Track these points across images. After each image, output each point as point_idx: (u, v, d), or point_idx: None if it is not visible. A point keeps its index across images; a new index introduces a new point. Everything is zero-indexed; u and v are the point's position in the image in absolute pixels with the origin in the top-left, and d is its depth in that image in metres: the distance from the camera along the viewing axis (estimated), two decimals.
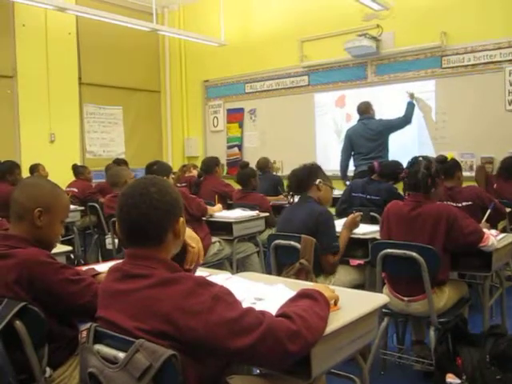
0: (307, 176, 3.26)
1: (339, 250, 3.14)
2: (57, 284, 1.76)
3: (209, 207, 4.37)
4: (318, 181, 3.22)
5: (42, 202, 1.88)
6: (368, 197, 4.29)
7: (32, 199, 1.88)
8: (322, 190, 3.24)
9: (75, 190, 6.20)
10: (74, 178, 6.61)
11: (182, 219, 1.51)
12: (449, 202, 3.55)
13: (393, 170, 4.40)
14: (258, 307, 1.46)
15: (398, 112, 6.26)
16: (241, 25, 8.20)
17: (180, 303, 1.32)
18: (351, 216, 3.35)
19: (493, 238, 2.81)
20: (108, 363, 1.36)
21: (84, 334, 1.45)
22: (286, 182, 4.45)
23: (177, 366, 1.27)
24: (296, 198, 3.38)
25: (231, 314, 1.33)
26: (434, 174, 2.84)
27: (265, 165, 6.36)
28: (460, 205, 3.63)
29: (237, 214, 4.51)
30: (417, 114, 6.36)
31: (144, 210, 1.43)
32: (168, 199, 1.48)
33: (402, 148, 6.19)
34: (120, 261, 1.51)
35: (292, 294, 1.65)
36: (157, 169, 4.15)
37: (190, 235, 1.74)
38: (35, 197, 1.89)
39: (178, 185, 5.87)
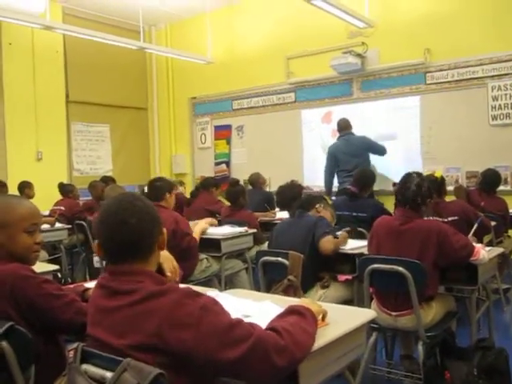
0: (308, 201, 3.48)
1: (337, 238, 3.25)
2: (39, 298, 1.75)
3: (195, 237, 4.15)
4: (317, 205, 3.44)
5: None
6: (354, 214, 4.32)
7: None
8: (321, 213, 3.42)
9: (62, 208, 6.16)
10: (60, 196, 6.56)
11: (164, 229, 1.54)
12: (435, 218, 3.58)
13: (366, 179, 4.50)
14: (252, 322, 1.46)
15: (384, 128, 6.34)
16: (227, 42, 8.27)
17: (168, 316, 1.32)
18: (346, 234, 3.42)
19: (483, 251, 2.83)
20: (96, 383, 1.35)
21: (71, 353, 1.43)
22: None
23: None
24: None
25: (221, 325, 1.33)
26: (425, 192, 2.84)
27: (255, 180, 6.42)
28: (446, 220, 3.66)
29: (225, 230, 4.50)
30: (404, 129, 6.45)
31: (135, 224, 1.43)
32: (152, 211, 1.51)
33: (389, 163, 6.26)
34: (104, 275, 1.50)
35: (279, 310, 1.65)
36: (162, 185, 4.01)
37: (165, 255, 1.75)
38: None
39: None
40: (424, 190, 2.84)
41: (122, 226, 1.43)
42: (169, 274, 1.69)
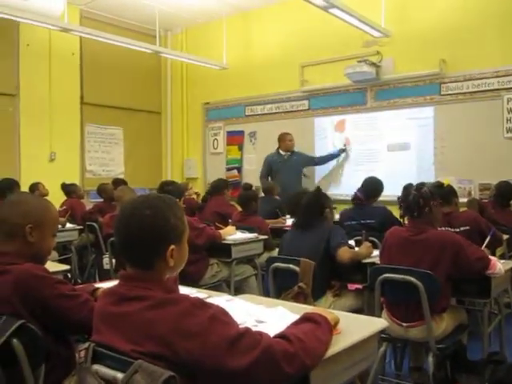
0: (318, 207, 3.39)
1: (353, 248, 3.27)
2: (52, 299, 1.76)
3: (221, 232, 4.32)
4: (326, 210, 3.39)
5: (32, 217, 1.88)
6: (362, 221, 4.29)
7: (21, 216, 1.87)
8: (329, 218, 3.42)
9: (66, 208, 6.11)
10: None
11: (172, 247, 1.45)
12: (446, 228, 3.55)
13: (373, 186, 4.49)
14: (260, 330, 1.45)
15: (397, 137, 6.31)
16: (242, 48, 8.29)
17: (176, 325, 1.31)
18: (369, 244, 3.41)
19: (499, 264, 2.80)
20: None
21: (82, 353, 1.43)
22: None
23: None
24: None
25: (228, 335, 1.32)
26: (425, 194, 2.81)
27: (270, 189, 6.33)
28: (458, 230, 3.63)
29: (236, 235, 4.50)
30: (417, 140, 6.40)
31: (132, 231, 1.43)
32: (160, 224, 1.44)
33: (401, 174, 6.22)
34: (115, 282, 1.50)
35: (293, 316, 1.64)
36: (172, 189, 4.05)
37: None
38: (24, 213, 1.88)
39: None
40: (424, 191, 2.81)
41: (123, 228, 1.45)
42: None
